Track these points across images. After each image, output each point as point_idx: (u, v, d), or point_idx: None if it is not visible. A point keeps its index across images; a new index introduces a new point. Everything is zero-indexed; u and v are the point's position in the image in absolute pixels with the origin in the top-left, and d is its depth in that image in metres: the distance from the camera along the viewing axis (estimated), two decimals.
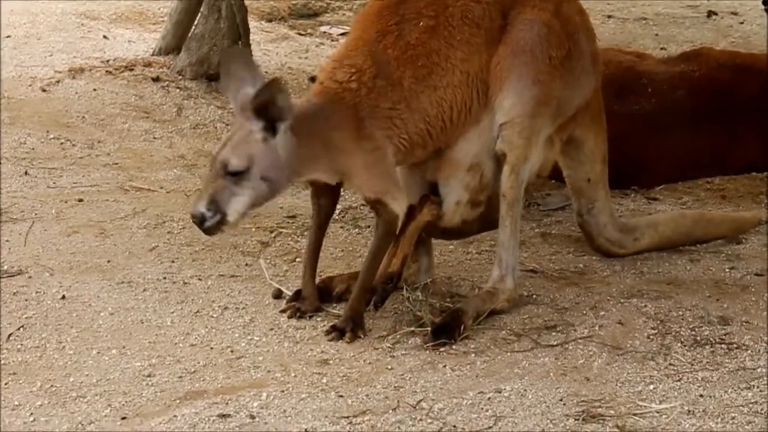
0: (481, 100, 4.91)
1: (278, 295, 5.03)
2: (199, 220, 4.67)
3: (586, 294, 5.13)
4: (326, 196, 4.89)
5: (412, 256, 5.10)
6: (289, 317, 4.87)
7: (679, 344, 4.68)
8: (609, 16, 10.88)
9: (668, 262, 5.48)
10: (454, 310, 4.83)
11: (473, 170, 4.96)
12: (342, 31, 9.45)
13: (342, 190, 5.01)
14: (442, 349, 4.62)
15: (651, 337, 4.74)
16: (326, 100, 4.81)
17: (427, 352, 4.60)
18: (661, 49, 9.47)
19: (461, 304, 4.90)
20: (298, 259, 5.38)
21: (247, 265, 5.37)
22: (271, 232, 5.75)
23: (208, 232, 4.71)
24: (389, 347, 4.64)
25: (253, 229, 5.68)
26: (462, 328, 4.73)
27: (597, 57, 5.20)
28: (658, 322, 4.86)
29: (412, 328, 4.75)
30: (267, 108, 4.61)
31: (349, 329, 4.72)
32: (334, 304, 4.93)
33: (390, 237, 4.82)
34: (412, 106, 4.82)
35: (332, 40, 9.37)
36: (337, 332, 4.72)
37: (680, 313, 4.94)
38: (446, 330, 4.71)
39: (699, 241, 5.67)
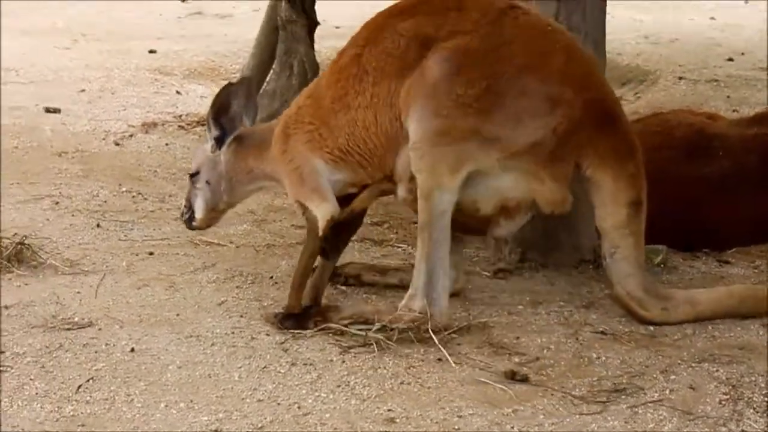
0: (396, 123, 5.18)
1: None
2: (180, 215, 5.83)
3: (657, 357, 5.06)
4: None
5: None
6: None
7: (751, 410, 4.60)
8: (680, 78, 10.85)
9: (740, 326, 5.39)
10: (325, 306, 5.29)
11: (414, 181, 5.15)
12: None
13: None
14: (509, 411, 4.58)
15: (723, 402, 4.67)
16: (275, 122, 5.62)
17: (495, 413, 4.56)
18: (733, 111, 9.42)
19: (342, 304, 5.37)
20: None
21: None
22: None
23: (186, 225, 5.78)
24: (457, 407, 4.61)
25: None
26: (319, 321, 5.15)
27: (558, 99, 5.05)
28: (730, 387, 4.78)
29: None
30: (221, 115, 5.58)
31: (278, 322, 5.25)
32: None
33: (313, 235, 5.32)
34: (330, 123, 5.32)
35: None
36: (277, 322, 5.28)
37: (753, 378, 4.86)
38: (295, 319, 5.18)
39: (744, 317, 5.49)
